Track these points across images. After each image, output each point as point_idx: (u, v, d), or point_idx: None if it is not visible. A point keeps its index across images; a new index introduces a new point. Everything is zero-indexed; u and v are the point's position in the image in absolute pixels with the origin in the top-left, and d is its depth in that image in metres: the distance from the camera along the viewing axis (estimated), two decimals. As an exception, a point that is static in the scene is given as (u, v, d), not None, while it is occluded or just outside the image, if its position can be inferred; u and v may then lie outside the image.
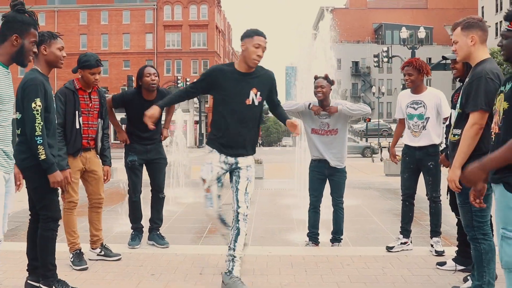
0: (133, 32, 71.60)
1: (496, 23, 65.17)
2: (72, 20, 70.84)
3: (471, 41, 3.79)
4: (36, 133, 3.70)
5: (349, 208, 8.17)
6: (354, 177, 15.21)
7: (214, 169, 4.21)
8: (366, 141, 41.07)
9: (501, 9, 65.29)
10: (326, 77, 5.51)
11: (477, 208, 3.30)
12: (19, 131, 3.83)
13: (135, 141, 5.47)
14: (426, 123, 5.31)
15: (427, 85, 5.58)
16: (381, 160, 22.33)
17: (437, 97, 5.36)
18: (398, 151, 5.73)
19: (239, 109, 4.18)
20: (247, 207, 4.17)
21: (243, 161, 4.26)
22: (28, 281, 4.07)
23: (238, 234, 4.14)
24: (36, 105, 3.70)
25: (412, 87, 5.41)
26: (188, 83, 54.13)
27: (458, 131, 3.85)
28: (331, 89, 5.56)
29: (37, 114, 3.70)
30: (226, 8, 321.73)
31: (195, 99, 59.35)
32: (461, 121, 3.81)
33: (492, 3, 67.86)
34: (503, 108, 2.91)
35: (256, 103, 4.23)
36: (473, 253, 3.83)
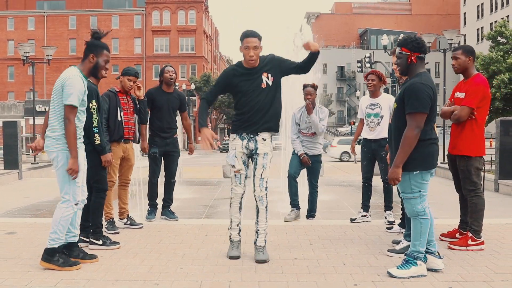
0: (122, 37, 72.30)
1: (478, 29, 67.36)
2: (61, 25, 71.43)
3: None
4: (93, 125, 5.12)
5: (328, 203, 9.47)
6: (336, 176, 16.46)
7: (238, 155, 4.95)
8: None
9: (482, 15, 67.52)
10: (313, 86, 7.09)
11: None
12: None
13: (157, 135, 6.91)
14: (381, 120, 6.77)
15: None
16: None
17: (390, 100, 6.82)
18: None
19: (256, 94, 4.83)
20: (260, 190, 4.93)
21: (262, 148, 4.92)
22: (80, 236, 5.47)
23: (257, 212, 5.01)
24: (93, 105, 5.11)
25: (373, 90, 6.86)
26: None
27: None
28: (316, 94, 7.17)
29: (94, 111, 5.12)
30: (214, 13, 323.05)
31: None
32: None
33: (474, 10, 70.11)
34: (393, 108, 4.44)
35: (270, 83, 4.87)
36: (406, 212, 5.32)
